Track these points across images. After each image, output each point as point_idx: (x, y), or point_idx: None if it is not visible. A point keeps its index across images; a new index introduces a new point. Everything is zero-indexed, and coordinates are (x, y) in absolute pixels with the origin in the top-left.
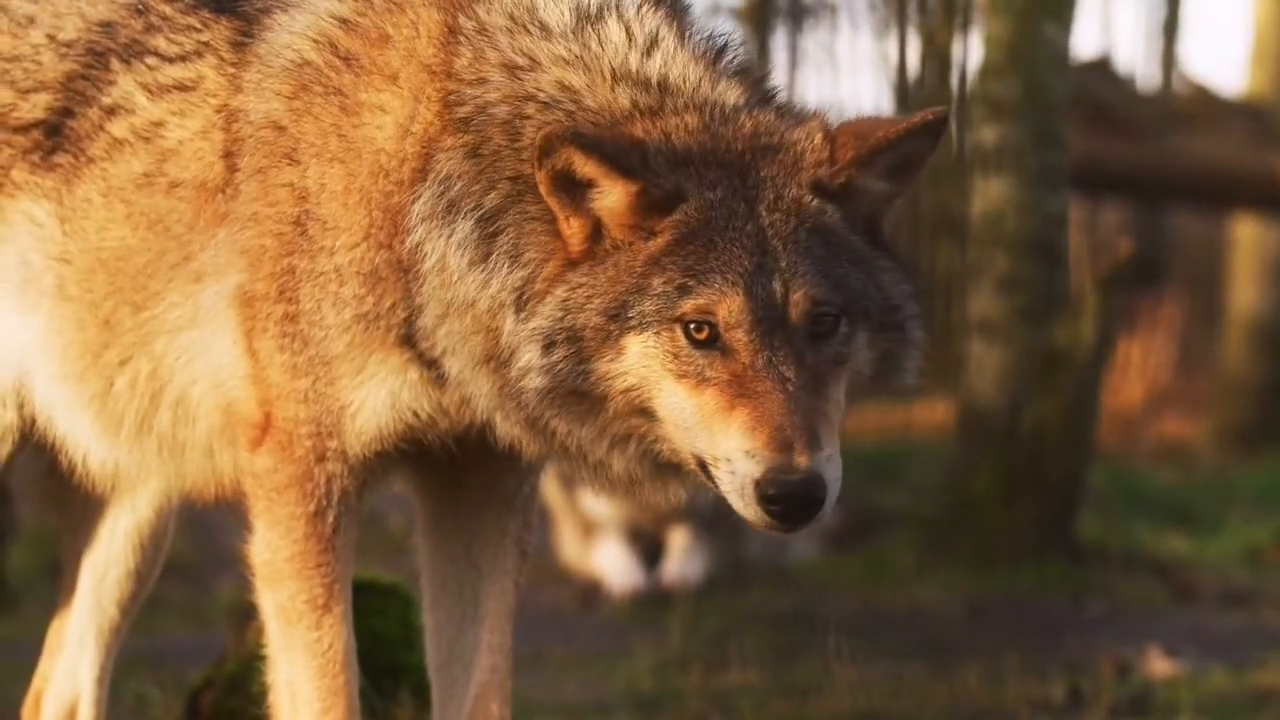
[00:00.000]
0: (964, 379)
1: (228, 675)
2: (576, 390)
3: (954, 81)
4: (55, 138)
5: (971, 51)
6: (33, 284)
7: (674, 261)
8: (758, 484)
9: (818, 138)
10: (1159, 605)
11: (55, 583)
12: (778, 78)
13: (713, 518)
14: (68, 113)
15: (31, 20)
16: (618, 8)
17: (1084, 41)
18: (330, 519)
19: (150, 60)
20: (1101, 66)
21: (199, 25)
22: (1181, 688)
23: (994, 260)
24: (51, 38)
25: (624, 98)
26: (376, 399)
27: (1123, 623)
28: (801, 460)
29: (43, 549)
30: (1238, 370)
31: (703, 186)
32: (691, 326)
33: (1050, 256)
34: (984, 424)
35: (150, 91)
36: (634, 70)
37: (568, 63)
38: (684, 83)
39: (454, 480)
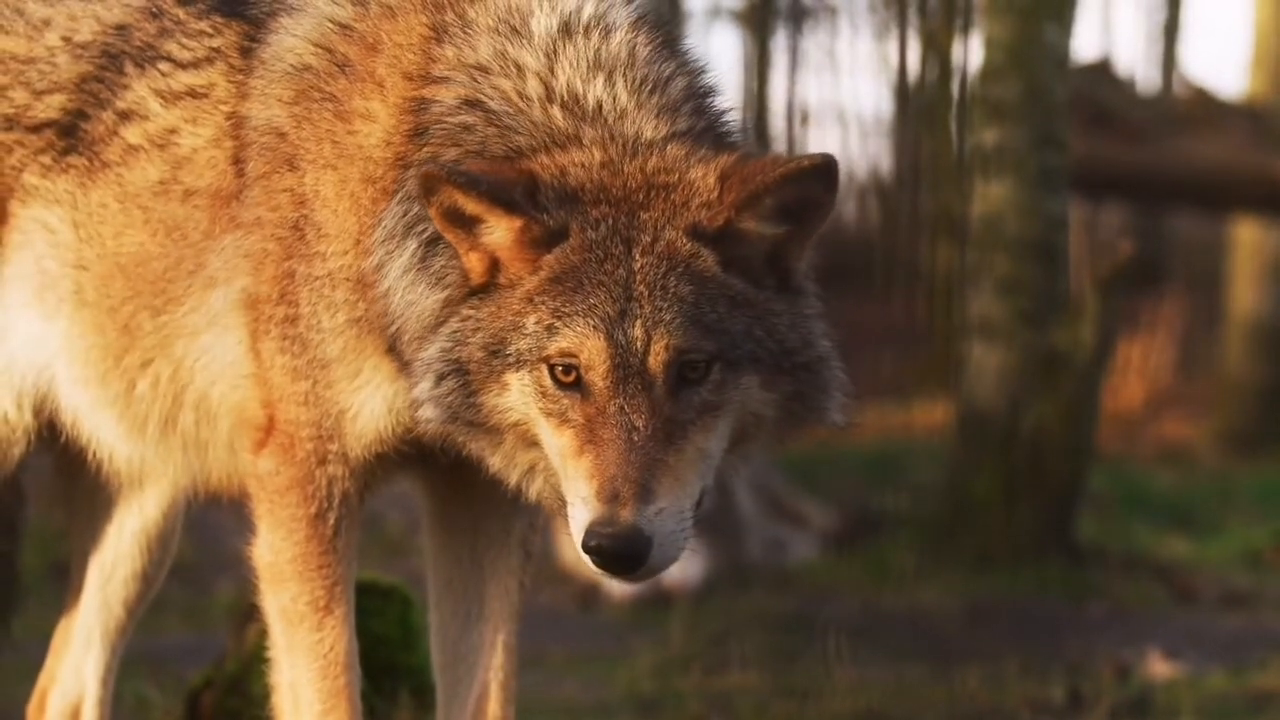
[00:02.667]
0: (964, 380)
1: (228, 676)
2: (472, 422)
3: (954, 83)
4: (69, 139)
5: (972, 53)
6: (50, 289)
7: (545, 301)
8: (583, 533)
9: (710, 178)
10: (1159, 607)
11: (59, 582)
12: (778, 81)
13: (713, 519)
14: (81, 114)
15: (47, 23)
16: (601, 24)
17: (1084, 44)
18: (331, 521)
19: (164, 66)
20: (1102, 69)
21: (210, 30)
22: (1182, 689)
23: (994, 262)
24: (67, 40)
25: (556, 120)
26: (374, 403)
27: (1123, 625)
28: (624, 514)
29: (47, 548)
30: (1238, 372)
31: (585, 225)
32: (557, 368)
33: (1050, 258)
34: (984, 426)
35: (164, 98)
36: (575, 93)
37: (531, 73)
38: (611, 112)
39: (459, 480)
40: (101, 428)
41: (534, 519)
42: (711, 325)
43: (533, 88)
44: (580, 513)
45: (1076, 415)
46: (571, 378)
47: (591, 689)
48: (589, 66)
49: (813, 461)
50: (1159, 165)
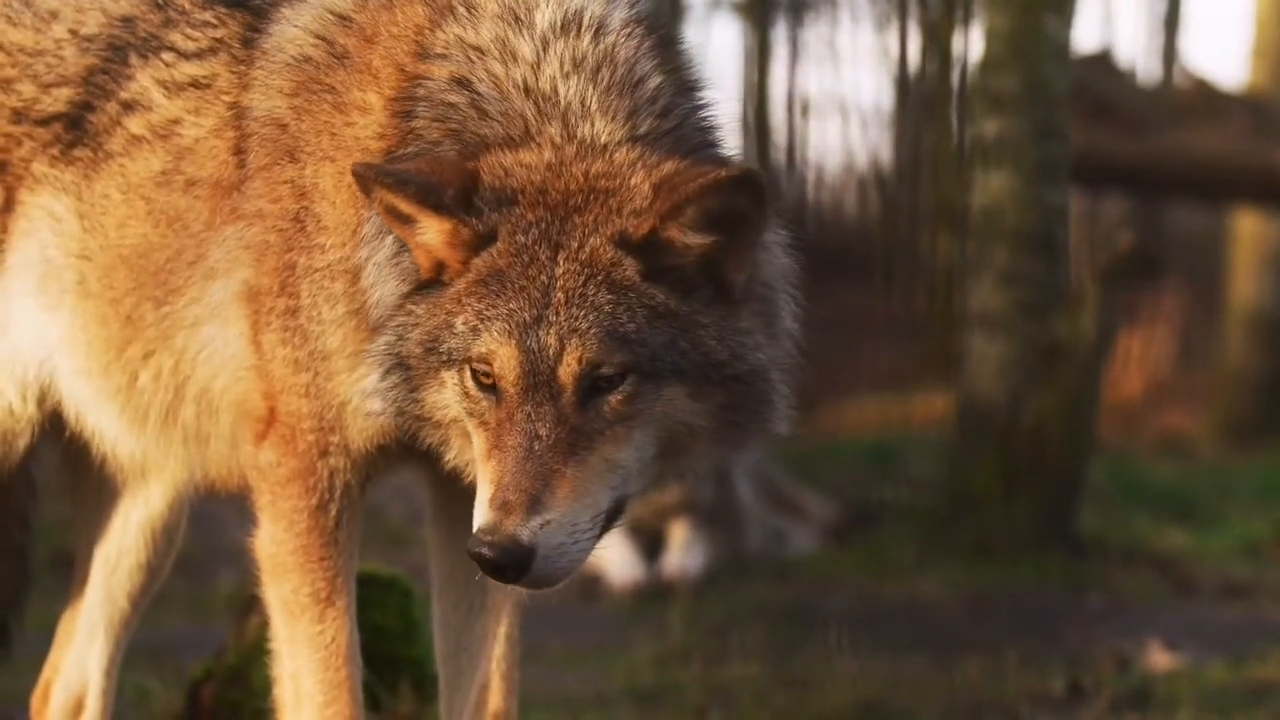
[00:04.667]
0: (964, 372)
1: (228, 667)
2: (419, 416)
3: (954, 75)
4: (75, 131)
5: (972, 45)
6: (54, 279)
7: (471, 303)
8: (470, 538)
9: (646, 185)
10: (1159, 599)
11: (62, 572)
12: (778, 72)
13: (713, 511)
14: (88, 107)
15: (54, 15)
16: (597, 24)
17: (1085, 35)
18: (333, 513)
19: (167, 56)
20: (1102, 60)
21: (214, 21)
22: (1181, 681)
23: (994, 253)
24: (74, 32)
25: (528, 114)
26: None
27: (1123, 616)
28: (507, 524)
29: (50, 540)
30: (1238, 363)
31: (516, 229)
32: (478, 371)
33: (1050, 250)
34: (984, 417)
35: (167, 88)
36: (552, 90)
37: (522, 63)
38: (576, 112)
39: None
40: (104, 420)
41: None
42: (628, 336)
43: (519, 77)
44: (475, 517)
45: (1076, 407)
46: (490, 381)
47: (591, 681)
48: (571, 65)
49: (812, 453)
50: (1159, 156)
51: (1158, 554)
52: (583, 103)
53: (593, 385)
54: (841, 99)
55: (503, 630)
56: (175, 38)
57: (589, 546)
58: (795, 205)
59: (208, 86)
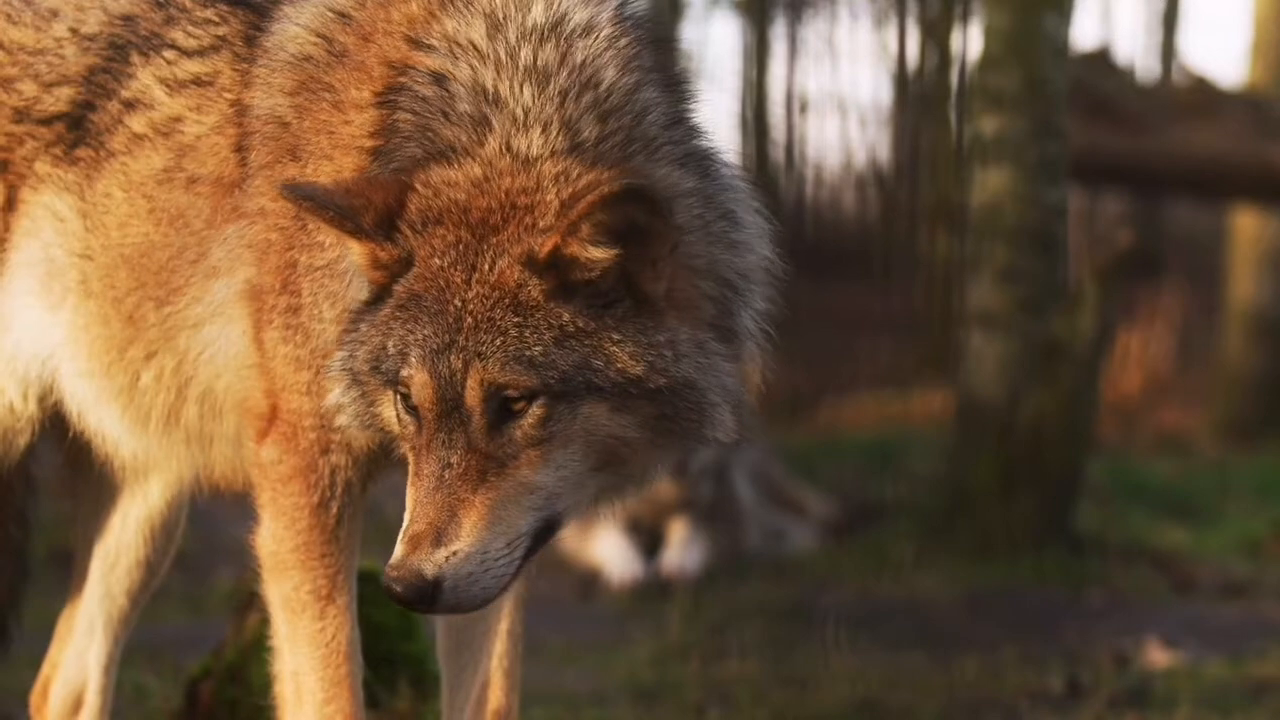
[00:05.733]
0: (963, 370)
1: (227, 665)
2: (382, 429)
3: (953, 72)
4: (77, 131)
5: (971, 43)
6: (57, 279)
7: (396, 328)
8: (384, 571)
9: (556, 201)
10: (1158, 596)
11: (60, 569)
12: (777, 69)
13: (712, 509)
14: (89, 106)
15: (55, 14)
16: (577, 26)
17: (1083, 33)
18: (334, 510)
19: (169, 54)
20: (1101, 58)
21: (216, 19)
22: (1180, 679)
23: (993, 251)
24: (74, 31)
25: (475, 121)
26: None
27: (1121, 614)
28: (413, 559)
29: (48, 537)
30: (1237, 361)
31: (433, 253)
32: (403, 394)
33: (1049, 248)
34: (983, 415)
35: (169, 86)
36: (505, 95)
37: (491, 65)
38: (518, 121)
39: None
40: (106, 421)
41: None
42: (534, 359)
43: (484, 81)
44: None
45: (1075, 405)
46: (412, 404)
47: (590, 678)
48: (528, 71)
49: (811, 451)
50: (1158, 154)
51: (1157, 552)
52: (525, 111)
53: (502, 409)
54: (840, 97)
55: (504, 626)
56: (177, 35)
57: (508, 571)
58: (794, 203)
59: (210, 84)
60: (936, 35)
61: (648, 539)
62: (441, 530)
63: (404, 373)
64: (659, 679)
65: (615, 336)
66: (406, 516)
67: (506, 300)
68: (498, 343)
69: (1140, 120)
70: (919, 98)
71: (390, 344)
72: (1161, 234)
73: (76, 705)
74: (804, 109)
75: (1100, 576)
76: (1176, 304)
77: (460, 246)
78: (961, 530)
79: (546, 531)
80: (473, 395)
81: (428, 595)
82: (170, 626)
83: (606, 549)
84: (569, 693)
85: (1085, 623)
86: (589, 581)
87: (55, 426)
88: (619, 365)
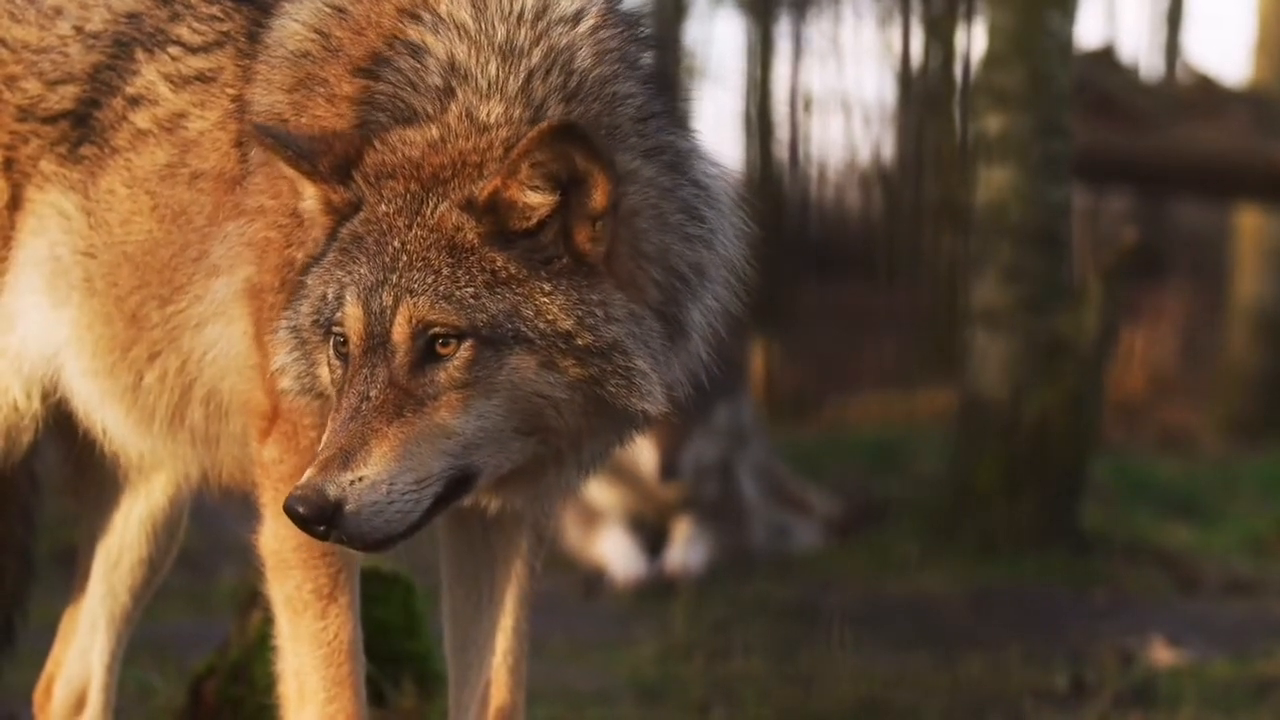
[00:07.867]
0: (967, 368)
1: (230, 663)
2: (321, 394)
3: (957, 71)
4: (82, 129)
5: (975, 41)
6: (62, 277)
7: (335, 272)
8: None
9: (500, 150)
10: (1162, 595)
11: (63, 568)
12: (781, 68)
13: (716, 507)
14: (94, 104)
15: (59, 11)
16: (570, 18)
17: (1087, 31)
18: None
19: (173, 50)
20: (1105, 56)
21: (221, 15)
22: (1185, 677)
23: (997, 250)
24: (79, 29)
25: (440, 93)
26: None
27: (1126, 612)
28: (317, 479)
29: (52, 535)
30: (1241, 360)
31: (381, 200)
32: (338, 339)
33: (1053, 246)
34: (987, 413)
35: (173, 82)
36: (475, 69)
37: (468, 42)
38: (480, 91)
39: None
40: (111, 420)
41: (547, 503)
42: (463, 301)
43: (455, 55)
44: None
45: (1079, 403)
46: (345, 347)
47: (594, 676)
48: (496, 49)
49: (816, 449)
50: (1162, 152)
51: (1161, 550)
52: (490, 83)
53: (428, 349)
54: (844, 95)
55: (509, 623)
56: (181, 31)
57: (415, 510)
58: (798, 201)
59: (213, 80)
60: (940, 33)
61: (652, 537)
62: (349, 454)
63: (338, 314)
64: (663, 677)
65: (546, 288)
66: (321, 444)
67: (443, 242)
68: (429, 280)
69: (1144, 118)
70: (923, 96)
71: (330, 291)
72: (1165, 232)
73: (80, 703)
74: (808, 107)
75: (1105, 575)
76: (1180, 302)
77: (407, 196)
78: (966, 529)
79: (461, 484)
80: (400, 331)
81: (327, 515)
82: (174, 624)
83: (610, 547)
84: (573, 691)
85: (1090, 621)
86: (593, 580)
87: (59, 424)
88: (549, 317)
